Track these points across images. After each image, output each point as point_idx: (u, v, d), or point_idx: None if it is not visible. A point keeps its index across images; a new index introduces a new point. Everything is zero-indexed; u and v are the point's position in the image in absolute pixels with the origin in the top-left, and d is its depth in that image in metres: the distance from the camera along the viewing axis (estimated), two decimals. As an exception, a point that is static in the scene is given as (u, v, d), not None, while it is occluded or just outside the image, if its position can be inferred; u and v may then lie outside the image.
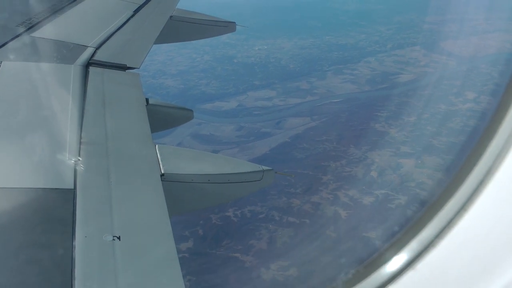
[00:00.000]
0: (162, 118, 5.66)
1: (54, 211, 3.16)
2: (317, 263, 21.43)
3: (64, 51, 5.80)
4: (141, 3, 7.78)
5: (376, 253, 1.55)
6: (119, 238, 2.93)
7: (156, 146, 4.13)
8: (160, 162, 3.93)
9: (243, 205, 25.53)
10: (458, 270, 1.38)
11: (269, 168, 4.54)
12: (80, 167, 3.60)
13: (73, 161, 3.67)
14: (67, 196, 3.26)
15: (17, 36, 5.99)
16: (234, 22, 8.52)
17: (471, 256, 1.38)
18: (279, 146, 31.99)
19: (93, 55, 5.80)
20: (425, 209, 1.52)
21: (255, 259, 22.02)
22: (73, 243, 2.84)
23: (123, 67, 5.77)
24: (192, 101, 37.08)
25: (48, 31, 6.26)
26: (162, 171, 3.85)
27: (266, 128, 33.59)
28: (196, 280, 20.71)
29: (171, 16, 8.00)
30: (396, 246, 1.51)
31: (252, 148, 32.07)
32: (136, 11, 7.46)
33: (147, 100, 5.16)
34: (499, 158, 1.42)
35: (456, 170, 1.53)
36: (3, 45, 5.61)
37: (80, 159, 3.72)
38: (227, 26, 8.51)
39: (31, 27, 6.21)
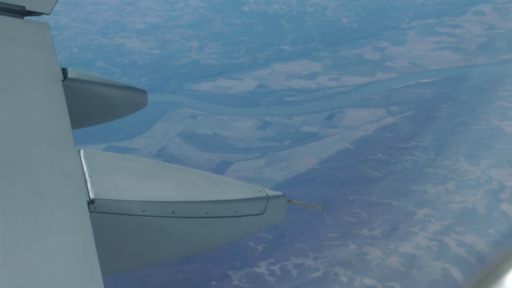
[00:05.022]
0: (92, 104, 4.33)
1: None
2: None
3: None
4: None
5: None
6: None
7: (81, 151, 3.13)
8: (88, 180, 2.89)
9: (283, 254, 17.63)
10: None
11: (279, 193, 3.33)
12: None
13: None
14: None
15: None
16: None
17: None
18: (334, 156, 21.75)
19: None
20: None
21: None
22: None
23: (20, 12, 4.35)
24: (177, 77, 24.56)
25: None
26: (91, 195, 2.84)
27: (310, 126, 22.34)
28: None
29: None
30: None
31: (288, 158, 21.52)
32: None
33: (64, 71, 3.94)
34: None
35: None
36: None
37: None
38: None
39: None
